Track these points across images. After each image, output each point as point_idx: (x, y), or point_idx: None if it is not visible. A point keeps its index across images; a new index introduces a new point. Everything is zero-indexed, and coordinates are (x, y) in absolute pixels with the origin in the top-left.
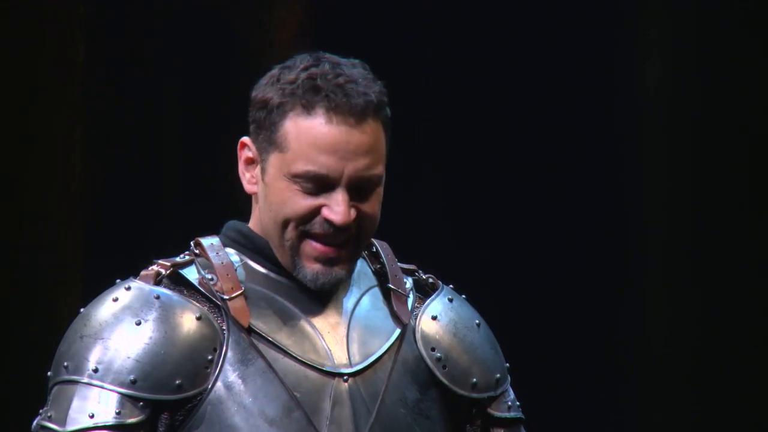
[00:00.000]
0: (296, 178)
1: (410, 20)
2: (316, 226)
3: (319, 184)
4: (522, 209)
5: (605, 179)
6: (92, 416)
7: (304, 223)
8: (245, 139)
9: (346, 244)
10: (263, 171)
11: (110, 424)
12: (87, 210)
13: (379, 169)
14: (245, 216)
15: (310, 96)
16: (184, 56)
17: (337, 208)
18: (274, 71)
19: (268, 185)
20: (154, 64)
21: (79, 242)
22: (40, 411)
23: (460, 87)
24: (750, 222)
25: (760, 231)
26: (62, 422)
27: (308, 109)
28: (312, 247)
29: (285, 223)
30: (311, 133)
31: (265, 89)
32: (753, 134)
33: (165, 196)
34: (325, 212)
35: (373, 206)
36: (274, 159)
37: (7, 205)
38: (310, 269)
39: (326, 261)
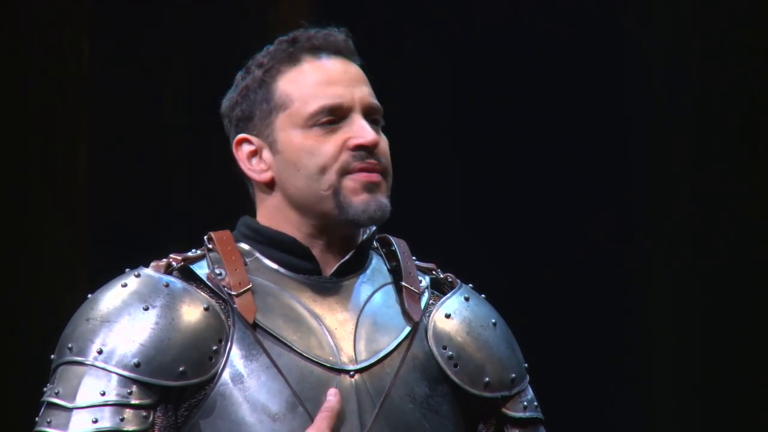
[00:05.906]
0: (313, 118)
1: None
2: (350, 159)
3: (337, 115)
4: (528, 205)
5: (615, 173)
6: (103, 394)
7: (339, 162)
8: (238, 137)
9: (380, 172)
10: (273, 144)
11: (120, 402)
12: (92, 205)
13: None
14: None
15: (291, 49)
16: (189, 50)
17: (361, 131)
18: (239, 75)
19: (285, 151)
20: (159, 57)
21: (84, 237)
22: (44, 389)
23: (468, 81)
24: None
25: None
26: (71, 398)
27: (294, 60)
28: (353, 180)
29: (322, 171)
30: (309, 74)
31: (237, 88)
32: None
33: (171, 191)
34: (352, 142)
35: (386, 147)
36: (281, 122)
37: (13, 200)
38: (358, 201)
39: (370, 188)
